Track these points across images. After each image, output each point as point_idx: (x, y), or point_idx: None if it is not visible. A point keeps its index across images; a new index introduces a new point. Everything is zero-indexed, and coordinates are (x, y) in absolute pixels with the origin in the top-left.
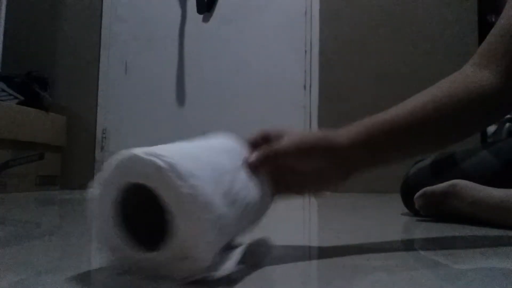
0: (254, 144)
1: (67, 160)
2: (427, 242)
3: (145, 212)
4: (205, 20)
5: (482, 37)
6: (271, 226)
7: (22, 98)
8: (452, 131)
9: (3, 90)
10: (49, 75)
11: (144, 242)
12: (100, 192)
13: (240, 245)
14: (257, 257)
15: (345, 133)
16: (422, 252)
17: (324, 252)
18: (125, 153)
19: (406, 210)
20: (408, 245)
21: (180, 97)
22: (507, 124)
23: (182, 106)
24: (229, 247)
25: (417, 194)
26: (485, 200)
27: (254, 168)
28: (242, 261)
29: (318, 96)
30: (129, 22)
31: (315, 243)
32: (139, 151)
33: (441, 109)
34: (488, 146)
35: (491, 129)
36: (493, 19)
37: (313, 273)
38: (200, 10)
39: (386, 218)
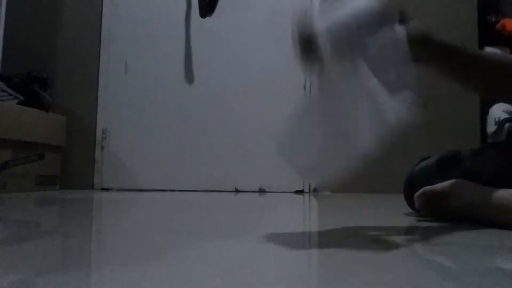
0: None
1: (67, 160)
2: (427, 242)
3: None
4: (203, 15)
5: (482, 37)
6: (270, 230)
7: (22, 98)
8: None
9: (3, 90)
10: (49, 75)
11: None
12: None
13: None
14: None
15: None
16: (422, 252)
17: (323, 251)
18: None
19: (409, 210)
20: (408, 245)
21: (180, 97)
22: (507, 124)
23: (182, 106)
24: None
25: (417, 193)
26: (485, 200)
27: None
28: None
29: (318, 96)
30: (129, 21)
31: (314, 243)
32: None
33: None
34: (492, 145)
35: (491, 129)
36: (493, 19)
37: (311, 271)
38: (203, 15)
39: (388, 218)
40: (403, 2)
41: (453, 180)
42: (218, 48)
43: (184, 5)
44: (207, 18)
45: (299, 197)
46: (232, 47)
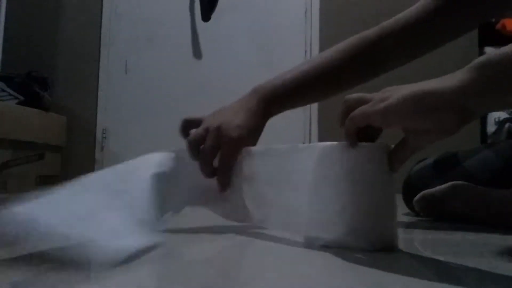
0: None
1: (67, 160)
2: (427, 242)
3: None
4: (205, 19)
5: (482, 36)
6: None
7: (22, 98)
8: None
9: (3, 90)
10: (49, 75)
11: None
12: None
13: None
14: None
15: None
16: (421, 252)
17: (323, 251)
18: None
19: (407, 210)
20: (407, 245)
21: (180, 97)
22: (507, 124)
23: (182, 106)
24: None
25: (416, 197)
26: (485, 201)
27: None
28: None
29: None
30: (129, 21)
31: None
32: None
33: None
34: (491, 146)
35: (491, 129)
36: (493, 19)
37: (308, 270)
38: (205, 18)
39: None
40: (402, 2)
41: (452, 182)
42: (218, 48)
43: (183, 6)
44: (206, 19)
45: None
46: (232, 47)
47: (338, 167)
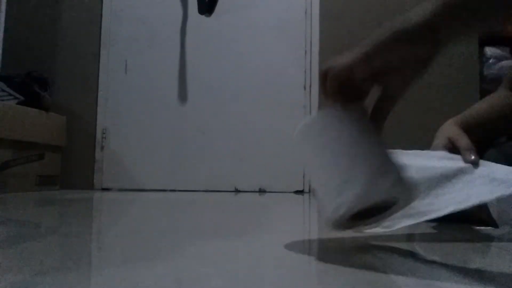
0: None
1: (67, 160)
2: (427, 242)
3: None
4: (201, 12)
5: (482, 38)
6: (272, 227)
7: (22, 98)
8: None
9: (3, 90)
10: (49, 75)
11: None
12: None
13: None
14: None
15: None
16: (421, 252)
17: (322, 251)
18: None
19: None
20: (407, 245)
21: (180, 97)
22: None
23: (182, 106)
24: None
25: None
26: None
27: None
28: None
29: (318, 96)
30: (129, 21)
31: (313, 244)
32: None
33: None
34: (496, 146)
35: None
36: None
37: (310, 272)
38: (201, 10)
39: None
40: (402, 2)
41: None
42: (218, 48)
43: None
44: (207, 18)
45: (299, 197)
46: (232, 47)
47: (328, 138)
